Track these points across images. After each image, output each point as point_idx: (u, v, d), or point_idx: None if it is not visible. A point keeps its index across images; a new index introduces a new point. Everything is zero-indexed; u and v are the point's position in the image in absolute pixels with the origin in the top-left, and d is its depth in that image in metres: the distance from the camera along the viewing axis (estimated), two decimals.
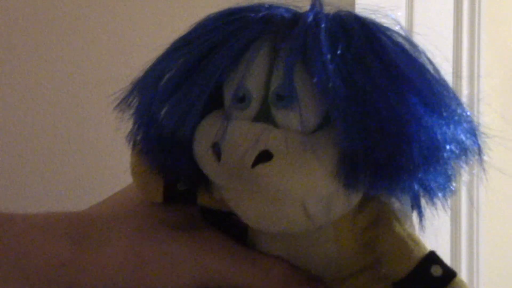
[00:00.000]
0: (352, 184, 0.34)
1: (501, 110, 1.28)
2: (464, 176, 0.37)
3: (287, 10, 0.36)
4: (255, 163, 0.33)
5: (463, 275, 1.10)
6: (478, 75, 1.09)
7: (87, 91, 0.90)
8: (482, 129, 0.37)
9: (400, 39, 0.35)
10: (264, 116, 0.34)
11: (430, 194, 0.35)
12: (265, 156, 0.33)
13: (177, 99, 0.36)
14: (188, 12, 0.88)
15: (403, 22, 0.94)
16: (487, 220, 1.17)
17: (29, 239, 0.39)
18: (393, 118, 0.33)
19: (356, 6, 0.75)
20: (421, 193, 0.36)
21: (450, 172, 0.36)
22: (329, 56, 0.33)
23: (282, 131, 0.34)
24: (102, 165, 0.85)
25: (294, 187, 0.33)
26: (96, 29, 0.90)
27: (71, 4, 0.90)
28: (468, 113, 0.36)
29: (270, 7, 0.36)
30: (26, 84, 0.91)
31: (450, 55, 1.06)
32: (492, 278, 1.22)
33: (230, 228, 0.40)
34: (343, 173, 0.33)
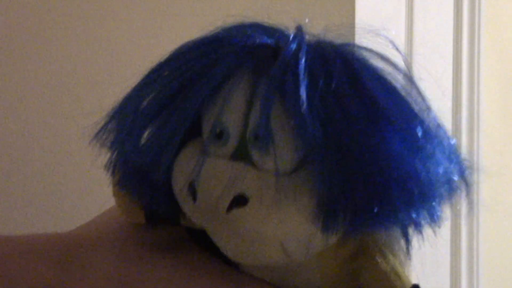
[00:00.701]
0: (331, 226, 0.33)
1: (501, 110, 1.28)
2: (451, 210, 0.36)
3: (270, 35, 0.35)
4: (230, 207, 0.33)
5: (463, 275, 1.10)
6: (478, 75, 1.09)
7: (87, 91, 0.90)
8: (468, 163, 0.35)
9: (385, 70, 0.34)
10: (242, 153, 0.34)
11: (417, 227, 0.34)
12: (240, 200, 0.33)
13: (153, 134, 0.35)
14: (188, 15, 0.88)
15: (403, 24, 0.94)
16: (487, 220, 1.17)
17: (12, 262, 0.38)
18: (372, 162, 0.32)
19: (357, 8, 0.75)
20: (407, 225, 0.35)
21: (436, 208, 0.34)
22: (307, 98, 0.32)
23: (258, 173, 0.33)
24: (101, 166, 0.85)
25: (271, 231, 0.33)
26: (96, 29, 0.90)
27: (71, 4, 0.90)
28: (455, 148, 0.35)
29: (252, 33, 0.34)
30: (26, 84, 0.91)
31: (450, 55, 1.06)
32: (492, 278, 1.22)
33: (216, 249, 0.39)
34: (321, 216, 0.33)
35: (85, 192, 0.88)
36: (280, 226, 0.33)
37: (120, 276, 0.38)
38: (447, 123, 0.36)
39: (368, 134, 0.32)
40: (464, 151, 0.35)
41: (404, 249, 0.36)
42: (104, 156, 0.38)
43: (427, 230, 0.35)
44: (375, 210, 0.32)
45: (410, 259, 0.37)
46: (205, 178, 0.33)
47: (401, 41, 0.93)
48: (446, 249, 1.07)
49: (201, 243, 0.40)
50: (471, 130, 1.09)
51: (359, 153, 0.32)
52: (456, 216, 1.04)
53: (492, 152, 1.16)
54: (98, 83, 0.89)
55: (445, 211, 0.35)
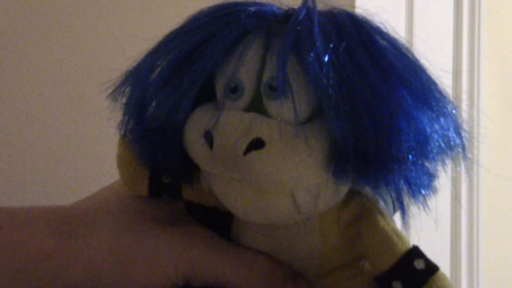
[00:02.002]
0: (341, 174, 0.34)
1: (501, 110, 1.28)
2: (448, 173, 0.37)
3: (279, 8, 0.36)
4: (247, 151, 0.34)
5: (463, 275, 1.10)
6: (478, 76, 1.09)
7: (88, 91, 0.90)
8: (467, 127, 0.37)
9: (390, 36, 0.36)
10: (256, 107, 0.35)
11: (414, 191, 0.36)
12: (257, 144, 0.34)
13: (170, 89, 0.36)
14: (188, 11, 0.88)
15: (403, 22, 0.94)
16: (487, 220, 1.17)
17: (11, 232, 0.38)
18: (383, 111, 0.33)
19: (356, 8, 0.75)
20: (405, 190, 0.36)
21: (433, 171, 0.36)
22: (321, 49, 0.33)
23: (275, 120, 0.34)
24: (102, 166, 0.85)
25: (285, 175, 0.34)
26: (96, 28, 0.90)
27: (71, 4, 0.90)
28: (456, 111, 0.36)
29: (262, 4, 0.36)
30: (26, 84, 0.91)
31: (450, 55, 1.06)
32: (492, 278, 1.22)
33: (215, 223, 0.40)
34: (332, 163, 0.34)
35: (85, 192, 0.88)
36: (293, 171, 0.34)
37: (119, 244, 0.38)
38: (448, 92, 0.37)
39: (378, 85, 0.33)
40: (465, 120, 0.37)
41: (400, 217, 0.38)
42: (112, 151, 0.39)
43: (419, 201, 0.36)
44: (383, 158, 0.33)
45: (406, 227, 0.38)
46: (223, 124, 0.34)
47: None
48: (446, 249, 1.07)
49: (199, 219, 0.41)
50: (471, 130, 1.08)
51: (370, 102, 0.33)
52: (456, 210, 1.04)
53: (492, 152, 1.16)
54: (98, 83, 0.90)
55: (440, 180, 0.37)
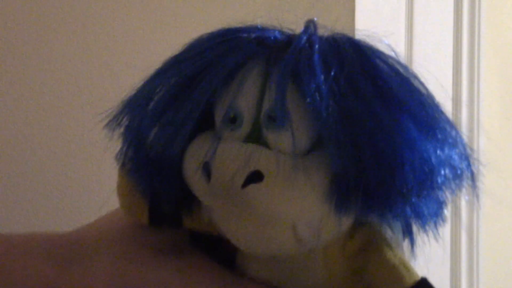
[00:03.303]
0: (343, 207, 0.33)
1: (501, 110, 1.28)
2: (457, 202, 0.36)
3: (280, 32, 0.36)
4: (246, 184, 0.33)
5: (463, 275, 1.10)
6: (478, 75, 1.09)
7: (87, 91, 0.90)
8: (475, 154, 0.36)
9: (393, 62, 0.35)
10: (255, 137, 0.34)
11: (422, 220, 0.35)
12: (256, 177, 0.33)
13: (167, 119, 0.35)
14: (190, 16, 0.88)
15: (403, 24, 0.94)
16: (487, 219, 1.17)
17: (12, 260, 0.38)
18: (386, 142, 0.32)
19: (356, 8, 0.75)
20: (413, 220, 0.35)
21: (442, 199, 0.35)
22: (322, 78, 0.32)
23: (274, 152, 0.33)
24: (102, 166, 0.85)
25: (285, 209, 0.33)
26: (96, 29, 0.90)
27: (71, 4, 0.90)
28: (462, 137, 0.35)
29: (263, 28, 0.35)
30: (26, 84, 0.91)
31: (450, 55, 1.06)
32: (492, 278, 1.22)
33: (218, 252, 0.39)
34: (334, 196, 0.33)
35: (85, 192, 0.88)
36: (293, 205, 0.33)
37: (120, 276, 0.37)
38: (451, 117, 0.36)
39: (381, 115, 0.32)
40: (467, 141, 0.36)
41: (409, 246, 0.37)
42: (111, 151, 0.38)
43: (429, 229, 0.35)
44: (387, 191, 0.32)
45: (415, 256, 0.37)
46: (221, 156, 0.34)
47: (401, 41, 0.93)
48: (446, 249, 1.07)
49: (203, 248, 0.40)
50: (471, 130, 1.08)
51: (373, 133, 0.32)
52: (456, 211, 1.04)
53: (492, 151, 1.16)
54: (99, 83, 0.89)
55: (448, 205, 0.36)
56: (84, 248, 0.39)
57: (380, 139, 0.32)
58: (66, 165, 0.90)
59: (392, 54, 0.35)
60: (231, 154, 0.34)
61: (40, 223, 0.89)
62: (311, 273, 0.37)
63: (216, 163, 0.34)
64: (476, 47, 1.09)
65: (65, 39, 0.90)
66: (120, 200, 0.40)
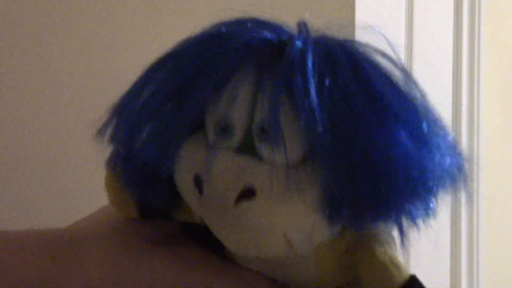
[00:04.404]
0: (335, 218, 0.33)
1: (501, 110, 1.28)
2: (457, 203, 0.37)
3: (271, 30, 0.35)
4: (238, 199, 0.33)
5: (463, 275, 1.10)
6: (478, 75, 1.09)
7: (87, 90, 0.90)
8: (468, 158, 0.36)
9: (389, 69, 0.34)
10: (247, 146, 0.34)
11: (413, 220, 0.35)
12: (248, 193, 0.33)
13: (158, 129, 0.35)
14: (186, 12, 0.88)
15: (403, 23, 0.94)
16: (487, 220, 1.17)
17: (7, 257, 0.38)
18: (380, 155, 0.32)
19: (356, 8, 0.75)
20: (404, 220, 0.35)
21: (434, 200, 0.35)
22: (315, 92, 0.32)
23: (266, 166, 0.33)
24: (102, 166, 0.85)
25: (277, 222, 0.33)
26: (96, 28, 0.90)
27: (71, 4, 0.90)
28: (456, 142, 0.35)
29: (253, 27, 0.35)
30: (26, 84, 0.91)
31: (450, 55, 1.06)
32: (492, 278, 1.22)
33: (209, 241, 0.39)
34: (326, 207, 0.33)
35: (85, 192, 0.88)
36: (286, 218, 0.33)
37: (114, 268, 0.38)
38: (447, 123, 0.36)
39: (374, 128, 0.32)
40: (462, 145, 0.36)
41: (400, 242, 0.37)
42: (105, 154, 0.38)
43: (425, 226, 0.35)
44: (381, 202, 0.32)
45: (406, 252, 0.37)
46: (214, 170, 0.34)
47: (401, 41, 0.93)
48: (446, 249, 1.07)
49: (194, 237, 0.40)
50: (471, 130, 1.08)
51: (365, 146, 0.32)
52: (456, 211, 1.04)
53: (492, 151, 1.16)
54: (98, 82, 0.89)
55: (441, 203, 0.36)
56: (79, 242, 0.39)
57: (373, 154, 0.32)
58: (66, 164, 0.90)
59: (390, 53, 0.35)
60: (224, 168, 0.33)
61: (38, 222, 0.89)
62: (302, 271, 0.37)
63: (209, 178, 0.34)
64: (476, 47, 1.09)
65: (65, 39, 0.90)
66: (108, 195, 0.40)
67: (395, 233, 0.37)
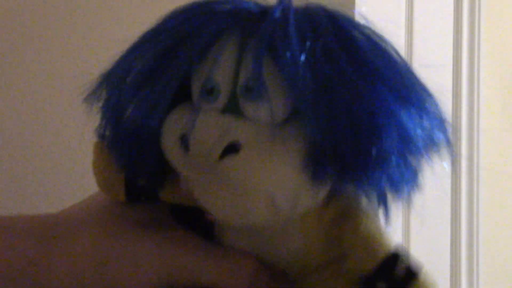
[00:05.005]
0: (320, 177, 0.34)
1: (501, 110, 1.28)
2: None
3: (255, 4, 0.36)
4: (223, 155, 0.34)
5: (463, 275, 1.10)
6: (478, 76, 1.09)
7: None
8: (451, 122, 0.36)
9: (369, 32, 0.35)
10: (232, 108, 0.35)
11: (397, 188, 0.35)
12: (233, 148, 0.34)
13: (145, 93, 0.35)
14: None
15: (403, 22, 0.94)
16: (487, 220, 1.17)
17: None
18: (363, 110, 0.32)
19: (356, 8, 0.75)
20: (388, 188, 0.35)
21: (417, 167, 0.35)
22: (297, 49, 0.33)
23: (251, 122, 0.34)
24: None
25: (262, 179, 0.34)
26: (96, 28, 0.90)
27: (71, 4, 0.90)
28: (438, 105, 0.36)
29: (239, 1, 0.36)
30: (26, 84, 0.91)
31: (450, 55, 1.06)
32: (492, 278, 1.22)
33: (197, 224, 0.40)
34: (311, 165, 0.34)
35: (85, 192, 0.88)
36: (270, 175, 0.33)
37: (101, 251, 0.38)
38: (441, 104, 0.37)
39: (357, 84, 0.33)
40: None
41: (384, 216, 0.37)
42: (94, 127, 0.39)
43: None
44: (364, 159, 0.33)
45: (390, 225, 0.37)
46: (198, 128, 0.34)
47: (401, 41, 0.93)
48: (446, 249, 1.07)
49: (182, 221, 0.40)
50: (471, 130, 1.09)
51: (349, 102, 0.32)
52: (456, 211, 1.04)
53: (492, 152, 1.16)
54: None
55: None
56: (66, 225, 0.40)
57: (356, 107, 0.32)
58: (66, 165, 0.90)
59: (370, 26, 0.35)
60: (209, 126, 0.34)
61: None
62: (289, 243, 0.37)
63: (194, 135, 0.34)
64: (476, 48, 1.09)
65: (65, 39, 0.90)
66: (96, 178, 0.41)
67: (380, 208, 0.37)
